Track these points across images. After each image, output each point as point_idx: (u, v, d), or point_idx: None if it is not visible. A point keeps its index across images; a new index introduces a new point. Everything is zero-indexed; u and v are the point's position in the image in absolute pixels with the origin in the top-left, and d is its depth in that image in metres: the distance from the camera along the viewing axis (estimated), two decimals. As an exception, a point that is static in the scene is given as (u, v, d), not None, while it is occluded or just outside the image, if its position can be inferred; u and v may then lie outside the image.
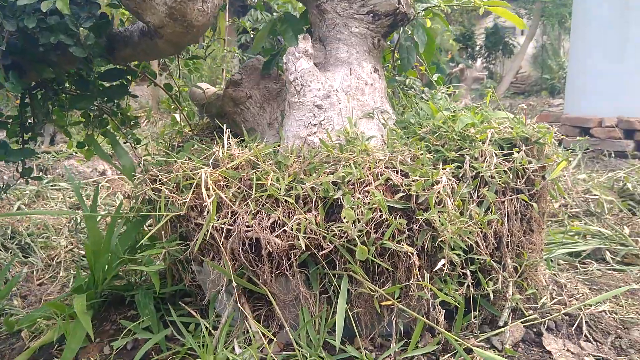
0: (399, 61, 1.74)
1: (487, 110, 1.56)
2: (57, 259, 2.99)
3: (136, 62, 2.22)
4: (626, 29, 4.55)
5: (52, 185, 3.98)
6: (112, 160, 1.89)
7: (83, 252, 3.00)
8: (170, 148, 2.00)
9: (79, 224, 3.24)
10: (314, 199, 1.29)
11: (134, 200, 1.62)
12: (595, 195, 3.19)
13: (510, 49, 11.35)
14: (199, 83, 2.30)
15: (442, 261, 1.19)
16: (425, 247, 1.28)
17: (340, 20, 1.63)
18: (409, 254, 1.22)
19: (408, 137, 1.52)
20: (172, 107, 2.57)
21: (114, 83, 1.87)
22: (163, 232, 1.52)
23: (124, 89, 1.84)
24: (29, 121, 2.10)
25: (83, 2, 1.45)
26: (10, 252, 3.05)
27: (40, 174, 4.17)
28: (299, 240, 1.23)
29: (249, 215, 1.32)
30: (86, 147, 2.29)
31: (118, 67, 1.85)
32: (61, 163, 4.47)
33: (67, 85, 1.95)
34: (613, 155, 4.56)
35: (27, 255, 3.05)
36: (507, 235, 1.37)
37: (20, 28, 1.39)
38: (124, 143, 2.42)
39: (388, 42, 1.72)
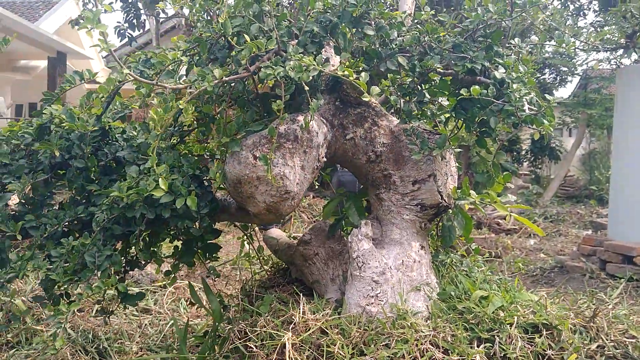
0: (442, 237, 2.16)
1: (517, 292, 1.92)
2: (128, 364, 3.40)
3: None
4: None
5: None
6: (200, 300, 2.35)
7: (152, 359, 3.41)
8: (249, 291, 2.44)
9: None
10: (372, 369, 1.66)
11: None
12: (633, 337, 3.32)
13: (556, 155, 11.64)
14: (272, 229, 2.80)
15: None
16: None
17: (395, 208, 2.09)
18: None
19: (449, 311, 1.89)
20: (245, 241, 3.07)
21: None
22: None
23: (215, 246, 2.34)
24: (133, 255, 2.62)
25: (202, 194, 1.99)
26: (90, 355, 3.50)
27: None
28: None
29: (319, 376, 1.70)
30: (172, 275, 2.79)
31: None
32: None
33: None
34: (657, 286, 4.66)
35: (103, 359, 3.49)
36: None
37: (157, 215, 1.93)
38: (207, 277, 2.90)
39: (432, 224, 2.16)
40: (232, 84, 1.82)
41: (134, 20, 11.65)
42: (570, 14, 8.99)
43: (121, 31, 11.80)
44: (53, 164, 2.18)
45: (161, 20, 13.41)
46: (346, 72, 1.68)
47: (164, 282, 4.28)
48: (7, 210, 2.11)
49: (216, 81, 1.71)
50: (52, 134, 2.07)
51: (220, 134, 1.84)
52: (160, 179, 1.66)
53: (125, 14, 11.55)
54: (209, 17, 2.12)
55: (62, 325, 1.75)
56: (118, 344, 3.67)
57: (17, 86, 13.99)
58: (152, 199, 1.87)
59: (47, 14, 14.75)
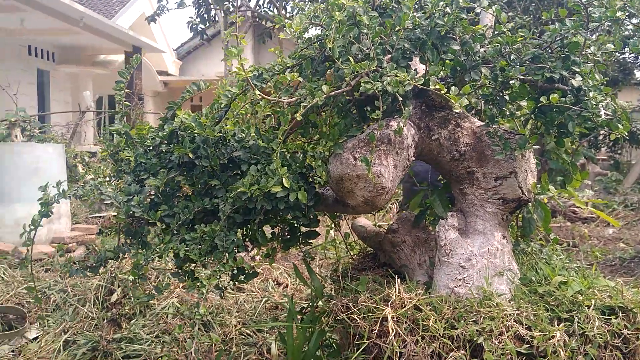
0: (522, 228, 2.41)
1: (595, 278, 2.14)
2: (229, 335, 3.92)
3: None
4: None
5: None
6: (304, 279, 2.77)
7: (248, 331, 3.90)
8: (344, 273, 2.81)
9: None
10: (462, 340, 1.97)
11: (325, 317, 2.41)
12: None
13: (638, 139, 11.13)
14: (359, 218, 3.15)
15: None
16: (542, 383, 1.88)
17: (478, 202, 2.36)
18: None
19: (530, 294, 2.15)
20: (332, 228, 3.45)
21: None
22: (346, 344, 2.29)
23: (315, 233, 2.71)
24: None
25: (308, 189, 2.36)
26: (196, 327, 4.04)
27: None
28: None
29: (415, 344, 2.03)
30: (269, 257, 3.21)
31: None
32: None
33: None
34: None
35: (207, 330, 4.03)
36: (607, 381, 1.91)
37: (274, 206, 2.32)
38: (303, 258, 3.31)
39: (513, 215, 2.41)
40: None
41: (205, 15, 12.39)
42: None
43: (193, 26, 12.56)
44: (181, 162, 2.64)
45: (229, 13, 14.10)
46: (438, 87, 1.97)
47: (255, 264, 4.78)
48: (147, 201, 2.60)
49: (325, 96, 2.06)
50: (185, 139, 2.51)
51: (325, 139, 2.19)
52: (284, 179, 2.05)
53: (197, 9, 12.30)
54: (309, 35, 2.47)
55: (204, 296, 2.19)
56: (219, 317, 4.19)
57: (97, 80, 15.28)
58: (270, 193, 2.26)
59: (122, 11, 15.86)
